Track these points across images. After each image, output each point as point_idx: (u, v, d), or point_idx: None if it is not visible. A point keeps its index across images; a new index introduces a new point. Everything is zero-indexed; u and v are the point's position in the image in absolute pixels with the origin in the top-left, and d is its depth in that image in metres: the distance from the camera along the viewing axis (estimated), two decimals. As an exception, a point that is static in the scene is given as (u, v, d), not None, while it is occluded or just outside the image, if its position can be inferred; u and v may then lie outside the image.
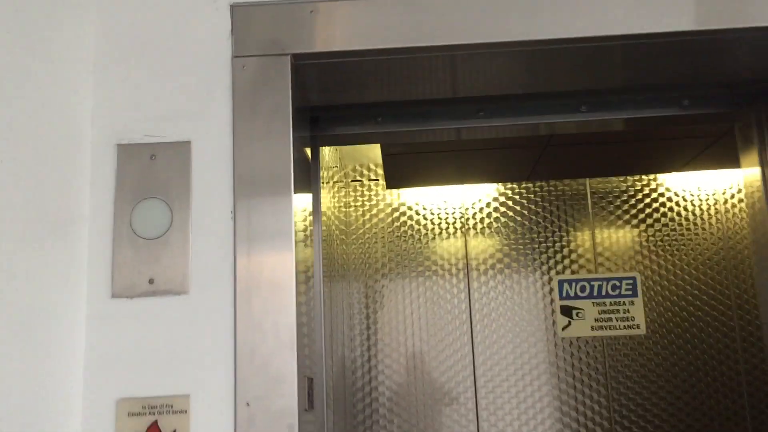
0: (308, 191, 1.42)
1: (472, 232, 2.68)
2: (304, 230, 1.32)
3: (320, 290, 1.47)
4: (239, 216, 1.12)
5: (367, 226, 2.70)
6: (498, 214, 2.68)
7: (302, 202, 1.26)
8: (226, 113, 1.15)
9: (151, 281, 1.10)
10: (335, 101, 1.40)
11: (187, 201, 1.13)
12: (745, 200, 1.65)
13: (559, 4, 1.17)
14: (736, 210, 2.20)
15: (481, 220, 2.68)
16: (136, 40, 1.18)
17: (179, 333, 1.09)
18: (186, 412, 1.07)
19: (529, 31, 1.17)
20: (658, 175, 2.64)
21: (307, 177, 1.42)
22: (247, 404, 1.06)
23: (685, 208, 2.64)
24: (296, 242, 1.13)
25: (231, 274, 1.11)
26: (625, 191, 2.66)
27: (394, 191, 2.68)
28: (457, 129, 1.57)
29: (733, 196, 2.36)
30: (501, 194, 2.69)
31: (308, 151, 1.44)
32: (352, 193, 2.71)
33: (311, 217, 1.45)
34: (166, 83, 1.17)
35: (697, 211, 2.63)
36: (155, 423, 1.07)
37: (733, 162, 1.84)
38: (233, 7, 1.18)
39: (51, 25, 1.12)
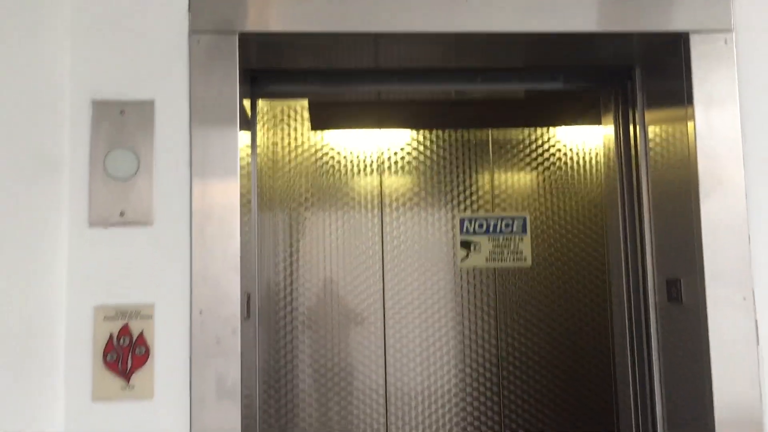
0: (247, 130, 1.69)
1: (386, 173, 2.99)
2: (245, 166, 1.59)
3: (256, 219, 1.76)
4: (194, 160, 1.39)
5: (293, 163, 2.97)
6: (410, 158, 3.00)
7: (243, 141, 1.53)
8: (184, 78, 1.41)
9: (122, 214, 1.37)
10: (272, 66, 1.67)
11: (150, 149, 1.39)
12: (602, 153, 2.00)
13: (466, 5, 1.46)
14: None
15: (395, 162, 3.00)
16: (108, 11, 1.41)
17: (145, 255, 1.37)
18: (151, 317, 1.36)
19: (445, 24, 1.46)
20: (551, 128, 3.01)
21: (246, 122, 1.69)
22: (200, 312, 1.36)
23: (571, 159, 3.03)
24: (240, 176, 1.41)
25: (188, 208, 1.39)
26: (522, 141, 3.02)
27: (318, 133, 2.96)
28: (377, 92, 1.86)
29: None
30: (413, 140, 3.01)
31: (247, 102, 1.71)
32: (279, 133, 2.97)
33: (249, 154, 1.72)
34: (135, 50, 1.40)
35: (581, 162, 3.02)
36: (126, 325, 1.36)
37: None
38: (191, -11, 1.42)
39: (34, -4, 1.33)
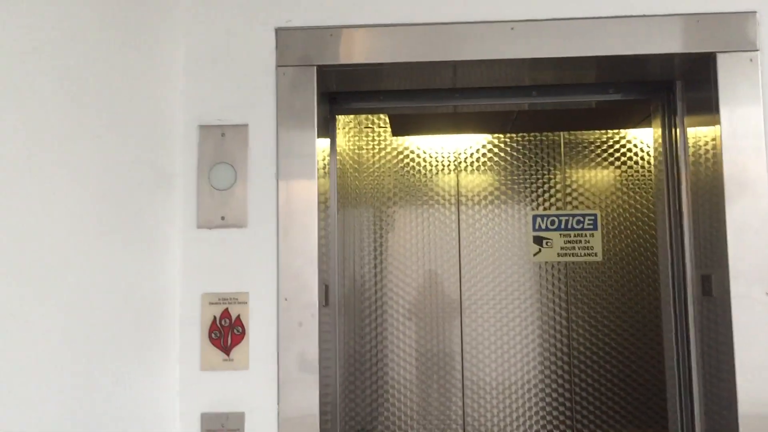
0: (326, 138, 1.95)
1: (463, 173, 3.21)
2: (323, 167, 1.86)
3: (335, 216, 2.03)
4: (280, 169, 1.67)
5: (377, 165, 3.25)
6: (485, 159, 3.21)
7: (321, 149, 1.79)
8: (272, 105, 1.69)
9: (222, 218, 1.67)
10: (348, 89, 1.93)
11: (245, 164, 1.68)
12: (653, 156, 2.14)
13: (534, 32, 1.67)
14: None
15: (471, 163, 3.21)
16: (212, 50, 1.71)
17: (241, 252, 1.67)
18: (246, 303, 1.66)
19: (515, 51, 1.68)
20: (620, 130, 3.14)
21: (326, 133, 1.95)
22: (285, 299, 1.64)
23: (642, 158, 3.15)
24: (318, 177, 1.68)
25: (275, 211, 1.67)
26: (593, 142, 3.17)
27: (399, 138, 3.21)
28: (453, 106, 2.09)
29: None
30: (489, 142, 3.21)
31: (327, 117, 1.98)
32: (364, 138, 3.25)
33: (329, 157, 1.99)
34: (232, 82, 1.70)
35: (649, 161, 3.14)
36: (227, 309, 1.66)
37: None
38: (277, 30, 1.70)
39: (154, 36, 1.65)
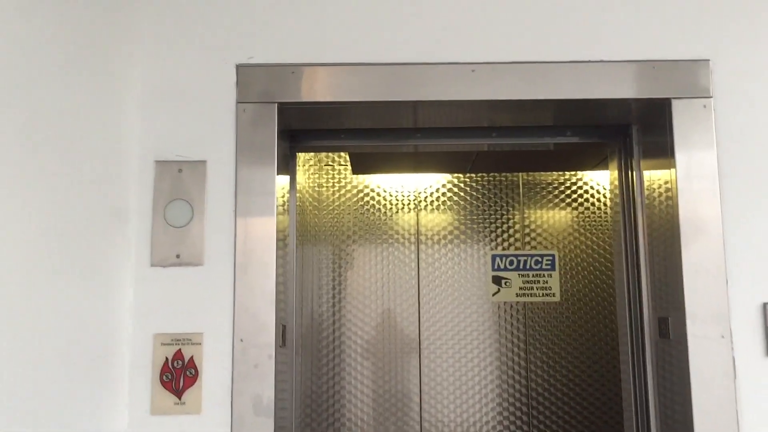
0: (286, 175, 1.93)
1: (423, 212, 3.22)
2: (282, 204, 1.83)
3: (294, 254, 1.99)
4: (238, 207, 1.64)
5: (336, 203, 3.23)
6: (445, 198, 3.22)
7: (281, 186, 1.77)
8: (232, 141, 1.67)
9: (177, 256, 1.63)
10: (309, 126, 1.92)
11: (202, 201, 1.65)
12: (609, 199, 2.18)
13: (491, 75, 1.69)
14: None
15: (431, 202, 3.22)
16: (171, 86, 1.68)
17: (197, 291, 1.62)
18: (200, 344, 1.61)
19: (475, 93, 1.69)
20: (578, 172, 3.19)
21: (286, 170, 1.93)
22: (241, 340, 1.60)
23: (598, 200, 3.20)
24: (276, 214, 1.65)
25: (232, 249, 1.63)
26: (551, 183, 3.21)
27: (360, 176, 3.21)
28: (414, 146, 2.09)
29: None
30: (449, 182, 3.22)
31: (287, 153, 1.97)
32: (324, 176, 3.23)
33: (288, 194, 1.97)
34: (191, 118, 1.67)
35: (606, 202, 3.19)
36: (179, 350, 1.61)
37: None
38: (238, 67, 1.69)
39: (110, 72, 1.62)
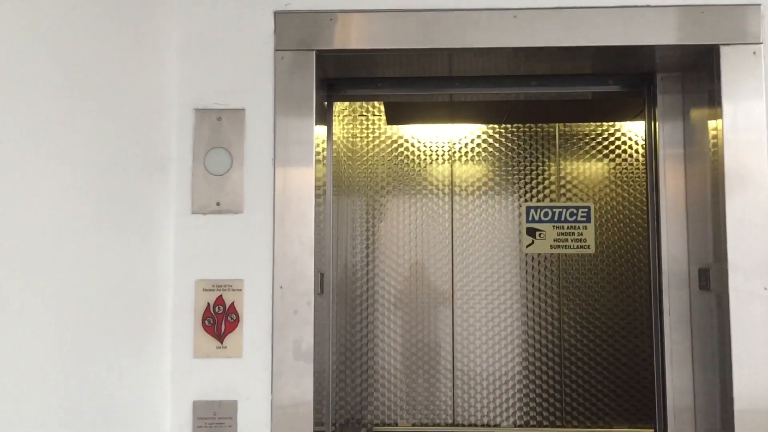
0: (323, 125, 1.93)
1: (457, 163, 3.20)
2: (320, 154, 1.83)
3: (331, 204, 2.00)
4: (277, 156, 1.65)
5: (370, 154, 3.22)
6: (480, 149, 3.19)
7: (318, 136, 1.77)
8: (270, 89, 1.66)
9: (218, 203, 1.65)
10: (346, 75, 1.90)
11: (241, 150, 1.66)
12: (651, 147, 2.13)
13: (534, 18, 1.65)
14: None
15: (466, 153, 3.19)
16: (209, 34, 1.68)
17: (237, 238, 1.64)
18: (241, 290, 1.63)
19: (514, 40, 1.66)
20: (615, 123, 3.13)
21: (323, 120, 1.93)
22: (281, 287, 1.62)
23: (636, 151, 3.15)
24: (315, 164, 1.65)
25: (271, 197, 1.65)
26: (588, 134, 3.16)
27: (394, 126, 3.19)
28: (449, 95, 2.06)
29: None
30: (483, 132, 3.19)
31: (325, 103, 1.96)
32: (358, 126, 3.22)
33: (325, 144, 1.97)
34: (229, 66, 1.67)
35: (644, 154, 3.13)
36: (221, 296, 1.63)
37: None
38: (276, 14, 1.67)
39: (148, 21, 1.62)
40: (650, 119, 1.90)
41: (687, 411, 1.79)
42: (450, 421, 3.13)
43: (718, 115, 1.61)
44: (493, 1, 1.67)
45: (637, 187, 3.14)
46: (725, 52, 1.60)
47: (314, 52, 1.66)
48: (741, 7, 1.62)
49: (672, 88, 1.84)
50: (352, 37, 1.67)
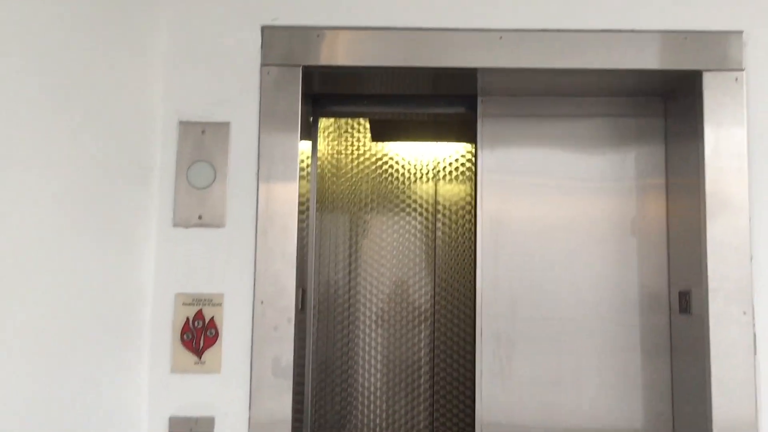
0: (308, 140, 1.92)
1: (441, 182, 3.20)
2: (305, 170, 1.82)
3: (314, 220, 1.99)
4: (261, 170, 1.64)
5: (355, 170, 3.22)
6: (464, 168, 3.20)
7: (303, 151, 1.76)
8: (255, 104, 1.66)
9: (200, 217, 1.63)
10: (332, 91, 1.90)
11: (225, 162, 1.65)
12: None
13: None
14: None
15: (450, 172, 3.20)
16: (196, 45, 1.67)
17: (218, 252, 1.63)
18: (221, 305, 1.62)
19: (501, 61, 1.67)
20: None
21: (308, 135, 1.92)
22: (261, 302, 1.61)
23: (619, 174, 3.18)
24: (299, 179, 1.64)
25: (254, 212, 1.63)
26: (571, 156, 3.19)
27: (379, 144, 3.19)
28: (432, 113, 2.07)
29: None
30: (468, 151, 3.21)
31: (310, 119, 1.95)
32: (343, 143, 3.22)
33: (309, 160, 1.96)
34: (215, 79, 1.66)
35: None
36: (200, 311, 1.62)
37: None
38: (263, 29, 1.67)
39: (136, 32, 1.61)
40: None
41: (666, 434, 1.80)
42: (429, 440, 3.11)
43: (700, 139, 1.63)
44: (481, 22, 1.68)
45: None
46: (707, 78, 1.63)
47: (300, 67, 1.66)
48: (724, 33, 1.64)
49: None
50: (339, 54, 1.68)
